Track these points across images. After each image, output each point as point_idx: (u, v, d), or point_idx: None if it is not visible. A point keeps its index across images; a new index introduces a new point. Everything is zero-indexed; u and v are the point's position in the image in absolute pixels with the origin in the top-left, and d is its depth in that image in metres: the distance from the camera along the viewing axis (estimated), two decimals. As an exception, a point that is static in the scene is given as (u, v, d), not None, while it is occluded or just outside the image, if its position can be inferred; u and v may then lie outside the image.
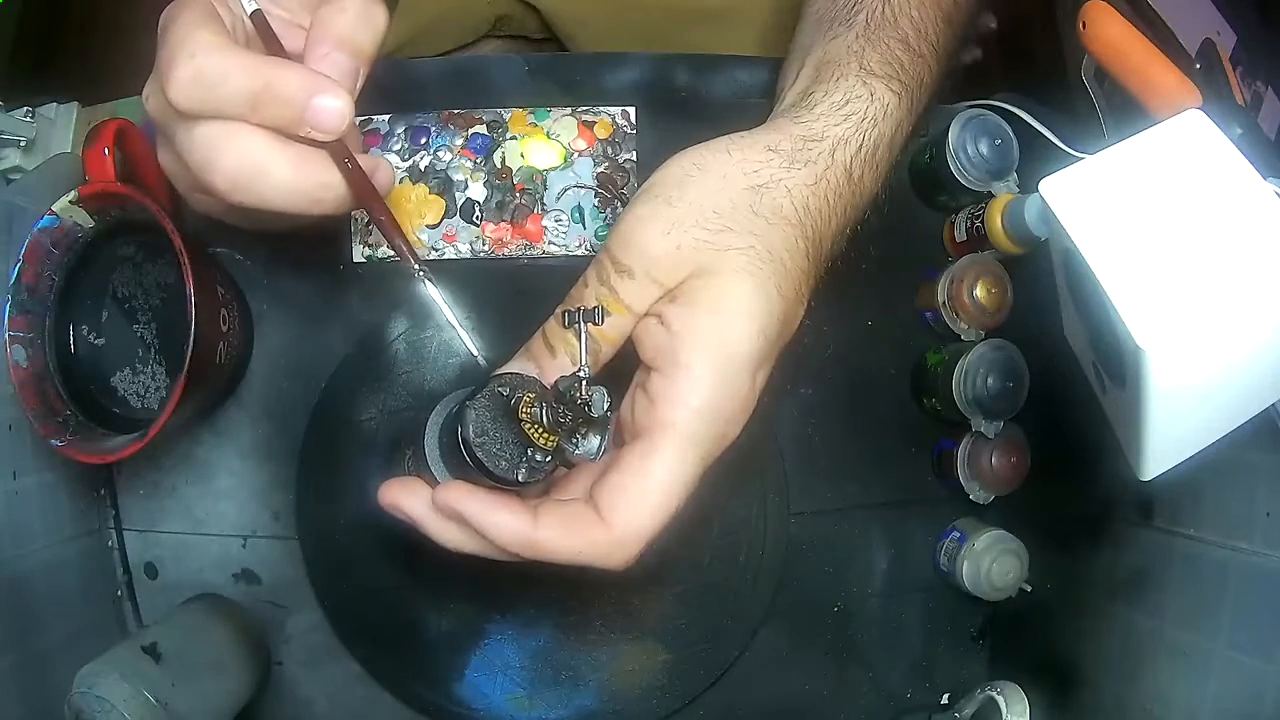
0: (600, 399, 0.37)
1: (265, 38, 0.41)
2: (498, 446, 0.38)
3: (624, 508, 0.39)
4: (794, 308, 0.42)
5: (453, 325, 0.41)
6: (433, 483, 0.41)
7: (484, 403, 0.38)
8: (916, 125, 0.47)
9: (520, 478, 0.38)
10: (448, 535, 0.41)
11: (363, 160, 0.41)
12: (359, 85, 0.40)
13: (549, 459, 0.38)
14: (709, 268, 0.40)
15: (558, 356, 0.42)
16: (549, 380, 0.40)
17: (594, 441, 0.38)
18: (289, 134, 0.38)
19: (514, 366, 0.43)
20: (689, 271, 0.40)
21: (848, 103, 0.44)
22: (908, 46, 0.46)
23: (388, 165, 0.43)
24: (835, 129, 0.43)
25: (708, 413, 0.39)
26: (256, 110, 0.37)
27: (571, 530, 0.39)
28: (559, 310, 0.42)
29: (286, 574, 0.57)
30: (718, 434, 0.40)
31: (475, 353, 0.41)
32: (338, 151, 0.40)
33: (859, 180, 0.43)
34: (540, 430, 0.37)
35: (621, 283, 0.41)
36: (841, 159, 0.43)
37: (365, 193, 0.40)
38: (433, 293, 0.40)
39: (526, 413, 0.37)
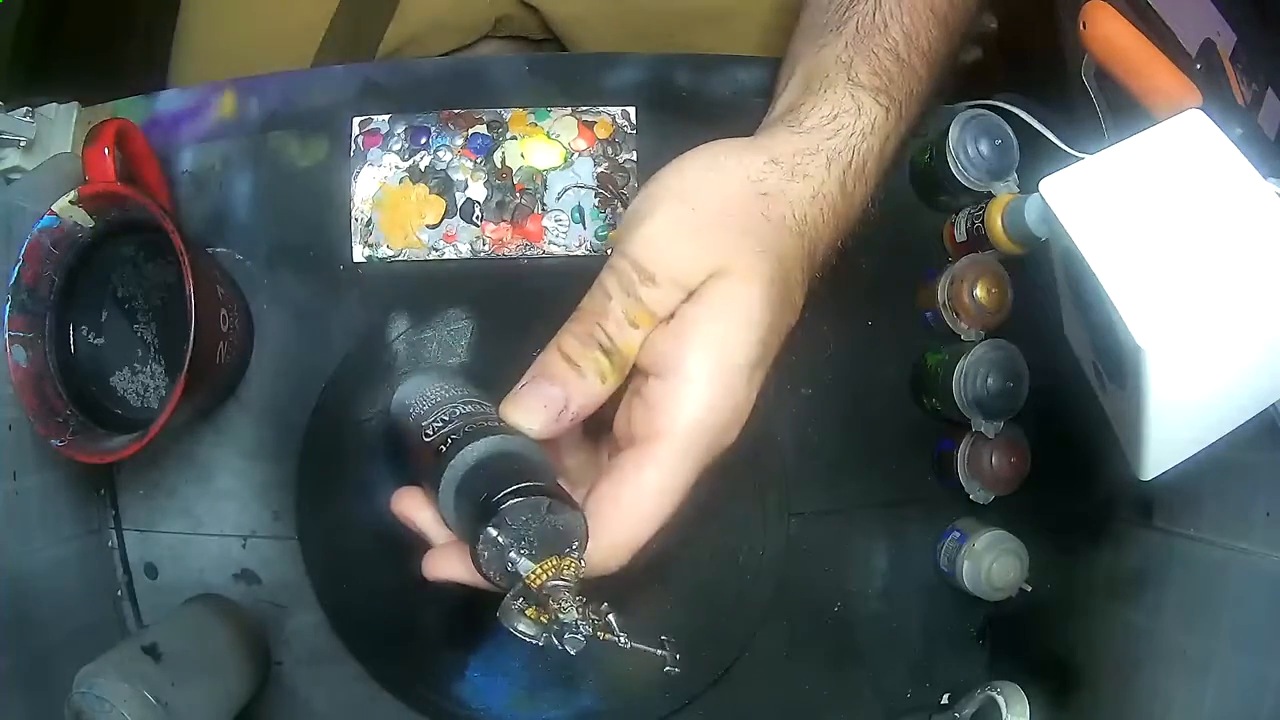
0: (575, 641, 0.35)
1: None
2: (502, 553, 0.36)
3: (616, 517, 0.38)
4: (789, 316, 0.42)
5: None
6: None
7: (527, 514, 0.35)
8: (910, 133, 0.47)
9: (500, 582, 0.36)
10: (445, 566, 0.41)
11: None
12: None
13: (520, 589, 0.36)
14: (724, 267, 0.39)
15: (586, 376, 0.39)
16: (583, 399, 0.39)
17: (530, 628, 0.36)
18: None
19: (535, 391, 0.39)
20: (709, 272, 0.39)
21: (836, 116, 0.44)
22: (897, 57, 0.46)
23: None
24: (828, 142, 0.43)
25: (706, 421, 0.39)
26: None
27: None
28: (573, 326, 0.40)
29: (286, 574, 0.57)
30: (713, 441, 0.40)
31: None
32: None
33: (851, 194, 0.44)
34: (540, 579, 0.35)
35: (648, 292, 0.39)
36: (836, 173, 0.43)
37: None
38: None
39: (550, 570, 0.35)
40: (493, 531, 0.35)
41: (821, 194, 0.42)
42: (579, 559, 0.36)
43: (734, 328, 0.39)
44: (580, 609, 0.35)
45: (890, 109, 0.45)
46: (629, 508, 0.38)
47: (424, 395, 0.44)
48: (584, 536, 0.37)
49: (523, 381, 0.39)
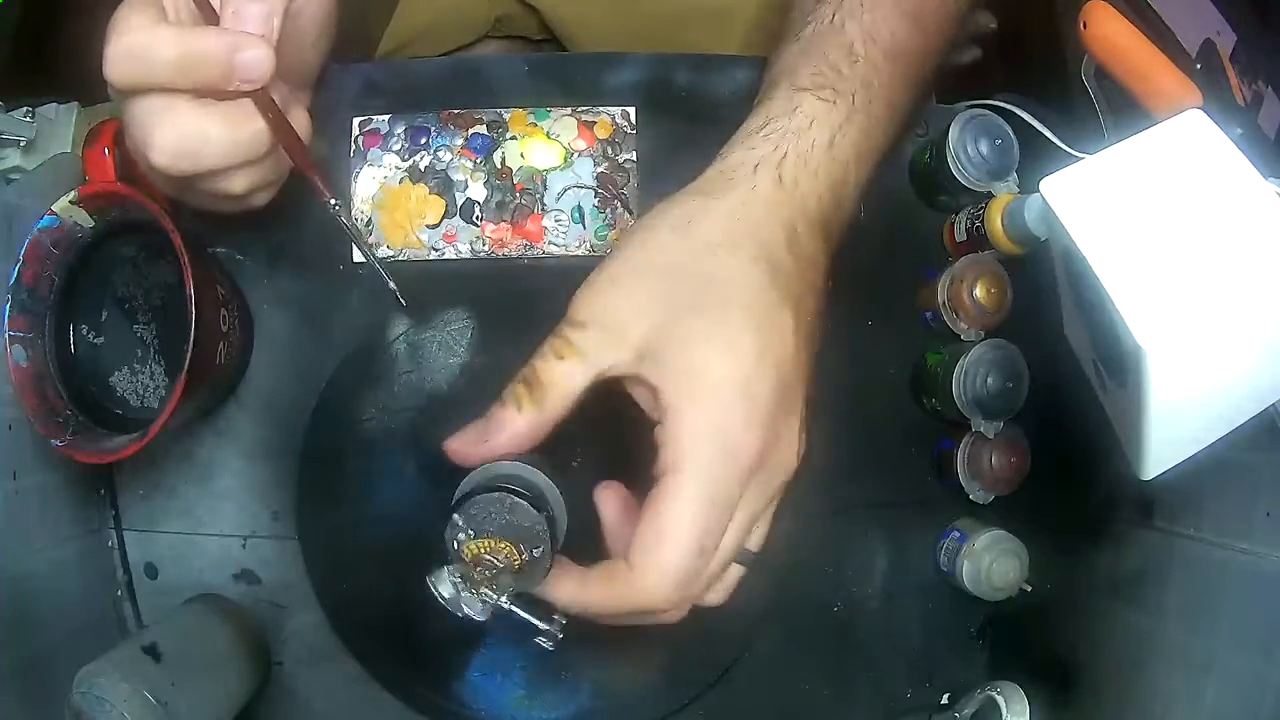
0: (480, 609, 0.40)
1: (205, 14, 0.43)
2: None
3: (643, 550, 0.41)
4: (768, 318, 0.42)
5: (372, 261, 0.50)
6: None
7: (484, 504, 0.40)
8: (878, 124, 0.47)
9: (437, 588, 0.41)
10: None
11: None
12: (276, 28, 0.43)
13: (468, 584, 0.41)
14: (657, 312, 0.42)
15: (507, 406, 0.43)
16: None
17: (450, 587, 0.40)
18: (220, 92, 0.42)
19: (470, 426, 0.44)
20: (646, 324, 0.42)
21: (766, 124, 0.45)
22: (849, 52, 0.47)
23: (305, 116, 0.49)
24: (752, 153, 0.45)
25: (701, 442, 0.41)
26: (187, 76, 0.41)
27: (609, 583, 0.42)
28: (520, 373, 0.44)
29: (286, 574, 0.57)
30: (723, 456, 0.41)
31: (394, 288, 0.50)
32: (262, 100, 0.43)
33: (793, 185, 0.44)
34: (473, 552, 0.40)
35: (572, 331, 0.43)
36: (766, 172, 0.44)
37: (283, 132, 0.45)
38: (348, 228, 0.49)
39: (484, 548, 0.39)
40: (456, 517, 0.39)
41: (752, 196, 0.44)
42: (527, 551, 0.40)
43: (691, 354, 0.41)
44: (492, 578, 0.39)
45: (837, 102, 0.46)
46: (653, 541, 0.41)
47: None
48: (546, 537, 0.40)
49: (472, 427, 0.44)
